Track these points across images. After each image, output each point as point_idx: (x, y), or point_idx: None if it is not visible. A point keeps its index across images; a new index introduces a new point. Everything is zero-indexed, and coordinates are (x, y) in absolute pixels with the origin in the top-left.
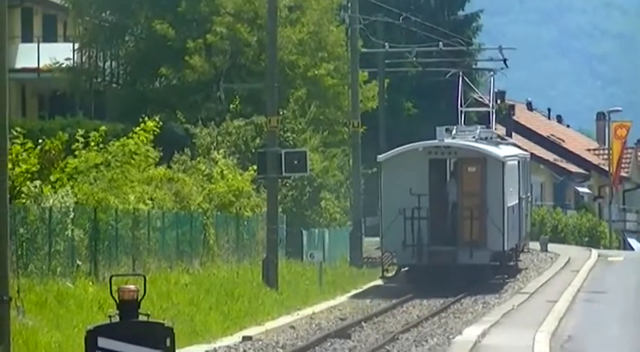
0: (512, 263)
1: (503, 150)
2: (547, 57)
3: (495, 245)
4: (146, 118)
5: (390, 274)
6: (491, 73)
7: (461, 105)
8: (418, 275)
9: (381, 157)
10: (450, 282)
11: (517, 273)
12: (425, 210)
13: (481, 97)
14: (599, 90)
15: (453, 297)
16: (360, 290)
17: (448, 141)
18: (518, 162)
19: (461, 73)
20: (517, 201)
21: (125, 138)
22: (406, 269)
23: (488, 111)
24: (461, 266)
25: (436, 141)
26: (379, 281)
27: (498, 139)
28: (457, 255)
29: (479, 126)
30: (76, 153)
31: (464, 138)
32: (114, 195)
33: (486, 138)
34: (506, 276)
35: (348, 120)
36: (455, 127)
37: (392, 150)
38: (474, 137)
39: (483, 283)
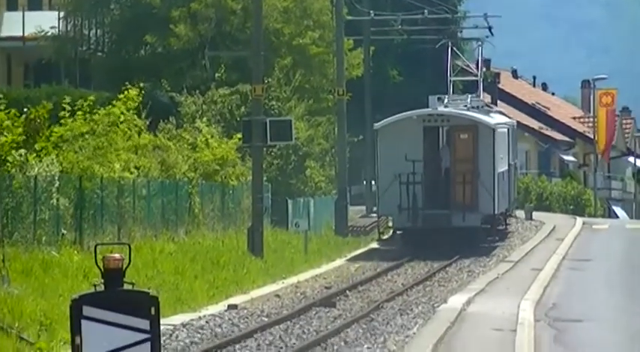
0: (501, 226)
1: (493, 118)
2: (533, 24)
3: (487, 208)
4: (129, 86)
5: (385, 237)
6: (479, 42)
7: (450, 75)
8: (413, 237)
9: (377, 125)
10: (443, 244)
11: (506, 236)
12: (419, 176)
13: (468, 66)
14: (585, 58)
15: (447, 260)
16: (354, 254)
17: (441, 109)
18: (508, 129)
19: (449, 44)
20: (507, 168)
21: (110, 106)
22: (400, 232)
23: (476, 80)
24: (454, 228)
25: (430, 109)
26: (373, 245)
27: (486, 108)
28: (450, 217)
29: (469, 95)
30: (62, 121)
31: (456, 107)
32: (99, 164)
33: (477, 107)
34: (496, 238)
35: (333, 88)
36: (446, 96)
37: (387, 119)
38: (465, 106)
39: (475, 246)
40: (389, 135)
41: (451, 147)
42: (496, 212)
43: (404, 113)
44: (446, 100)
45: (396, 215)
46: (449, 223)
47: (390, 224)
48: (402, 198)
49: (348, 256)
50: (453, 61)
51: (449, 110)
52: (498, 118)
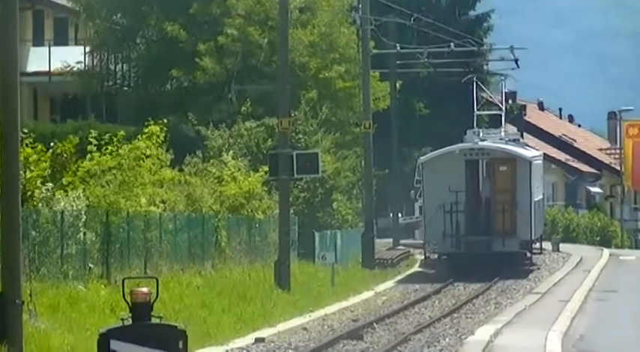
0: (536, 250)
1: (529, 152)
2: (559, 57)
3: (524, 234)
4: (152, 122)
5: (410, 271)
6: (502, 77)
7: (475, 109)
8: (456, 262)
9: (422, 159)
10: (484, 268)
11: (539, 260)
12: (462, 205)
13: (492, 98)
14: (611, 90)
15: (487, 282)
16: (381, 286)
17: (482, 143)
18: (541, 161)
19: (475, 79)
20: (541, 197)
21: (136, 140)
22: (445, 257)
23: (500, 114)
24: (494, 253)
25: (471, 144)
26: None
27: (522, 141)
28: (491, 243)
29: (502, 129)
30: (89, 155)
31: (493, 140)
32: (125, 198)
33: (513, 139)
34: (532, 262)
35: (359, 121)
36: (480, 130)
37: (431, 153)
38: (500, 139)
39: (513, 269)
40: (433, 168)
41: (491, 179)
42: (533, 237)
43: (447, 148)
44: (481, 134)
45: (441, 241)
46: (489, 249)
47: (436, 249)
48: (445, 226)
49: (376, 289)
50: (479, 95)
51: (488, 144)
52: (533, 152)
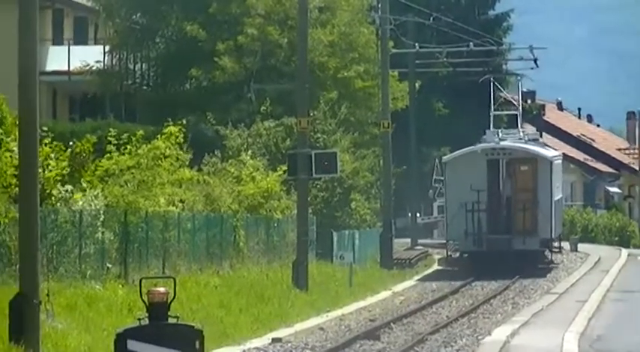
0: (556, 249)
1: (550, 151)
2: (579, 55)
3: (545, 232)
4: (171, 122)
5: (429, 270)
6: (519, 77)
7: (492, 109)
8: (479, 259)
9: (445, 158)
10: (506, 265)
11: (558, 259)
12: (483, 204)
13: (510, 98)
14: (632, 88)
15: (509, 279)
16: (399, 286)
17: (503, 143)
18: (561, 161)
19: (491, 78)
20: (561, 195)
21: (155, 140)
22: (466, 254)
23: (516, 114)
24: (515, 251)
25: (493, 143)
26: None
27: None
28: (512, 241)
29: (520, 129)
30: (108, 155)
31: (513, 140)
32: (144, 198)
33: (533, 139)
34: (552, 259)
35: (378, 120)
36: (499, 130)
37: (454, 152)
38: (520, 138)
39: (534, 266)
40: (456, 168)
41: (512, 178)
42: (553, 235)
43: (469, 147)
44: (500, 134)
45: (463, 239)
46: (510, 247)
47: (458, 247)
48: (467, 224)
49: (393, 288)
50: (496, 94)
51: (510, 144)
52: (553, 151)
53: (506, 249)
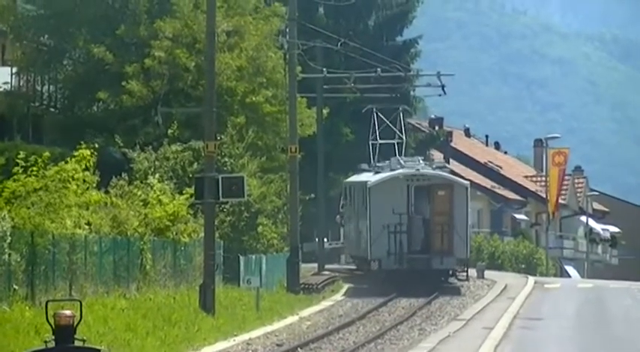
0: (469, 268)
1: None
2: (487, 82)
3: (461, 253)
4: (83, 146)
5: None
6: (400, 108)
7: (375, 139)
8: (399, 277)
9: (369, 183)
10: (424, 283)
11: (464, 287)
12: (404, 226)
13: (394, 128)
14: (538, 115)
15: (426, 297)
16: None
17: (423, 170)
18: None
19: (374, 109)
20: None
21: (63, 162)
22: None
23: (400, 143)
24: (434, 270)
25: (414, 170)
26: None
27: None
28: (431, 261)
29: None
30: (16, 177)
31: (422, 167)
32: (51, 220)
33: (439, 167)
34: (466, 277)
35: (285, 145)
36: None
37: (377, 177)
38: (431, 167)
39: (450, 284)
40: (379, 192)
41: (431, 202)
42: (467, 256)
43: (392, 173)
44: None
45: (385, 258)
46: (429, 265)
47: (381, 266)
48: (390, 245)
49: (300, 313)
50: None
51: (429, 171)
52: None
53: (426, 268)
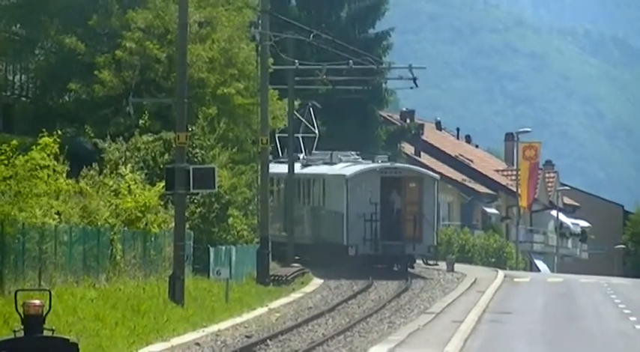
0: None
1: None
2: (458, 75)
3: (430, 240)
4: (46, 134)
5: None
6: (309, 104)
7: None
8: (375, 261)
9: (347, 175)
10: (399, 266)
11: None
12: (379, 214)
13: (307, 123)
14: (509, 108)
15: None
16: (276, 302)
17: (397, 164)
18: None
19: (309, 104)
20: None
21: (32, 151)
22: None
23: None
24: (407, 255)
25: (388, 163)
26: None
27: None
28: (404, 247)
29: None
30: None
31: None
32: (20, 209)
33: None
34: (436, 263)
35: (256, 137)
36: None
37: (355, 169)
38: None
39: (423, 268)
40: (355, 183)
41: (402, 193)
42: (436, 243)
43: (368, 165)
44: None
45: (361, 244)
46: (403, 251)
47: (357, 251)
48: (365, 232)
49: (270, 305)
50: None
51: (402, 164)
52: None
53: (400, 254)
